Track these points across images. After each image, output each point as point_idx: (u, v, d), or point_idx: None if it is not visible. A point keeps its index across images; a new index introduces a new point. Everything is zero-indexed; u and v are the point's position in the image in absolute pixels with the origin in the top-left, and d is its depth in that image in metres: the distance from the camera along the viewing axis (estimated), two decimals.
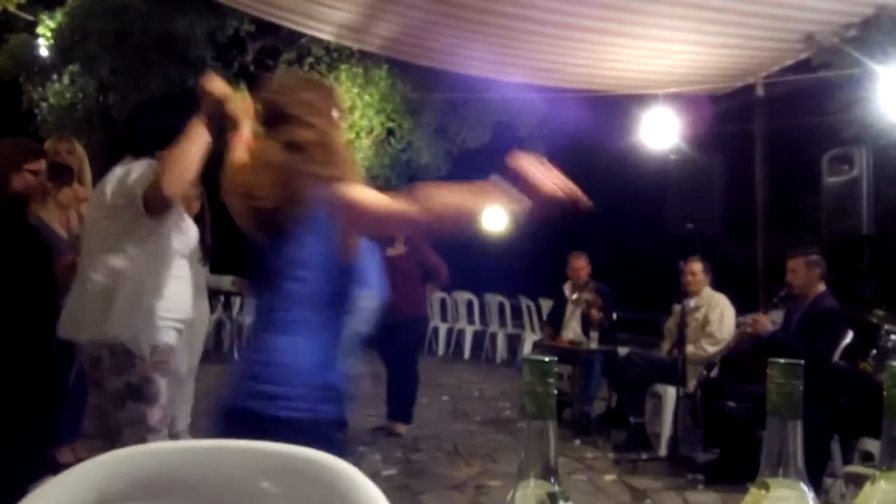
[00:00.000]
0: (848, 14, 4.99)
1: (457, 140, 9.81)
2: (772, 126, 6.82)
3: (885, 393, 0.79)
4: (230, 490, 1.06)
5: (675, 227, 5.59)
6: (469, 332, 10.73)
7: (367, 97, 8.99)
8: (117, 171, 2.81)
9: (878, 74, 4.84)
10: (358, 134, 9.09)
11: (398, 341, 5.71)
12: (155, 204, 2.64)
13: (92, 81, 8.82)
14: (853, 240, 5.80)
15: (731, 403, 4.72)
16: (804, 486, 0.74)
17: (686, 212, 5.52)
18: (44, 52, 8.68)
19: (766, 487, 0.75)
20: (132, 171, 2.75)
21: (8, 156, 3.42)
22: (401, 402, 6.08)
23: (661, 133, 6.90)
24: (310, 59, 9.06)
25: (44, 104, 8.89)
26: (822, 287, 4.79)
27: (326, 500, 1.05)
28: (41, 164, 3.48)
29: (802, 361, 0.75)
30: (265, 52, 9.29)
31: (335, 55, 9.03)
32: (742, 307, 5.67)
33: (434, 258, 6.09)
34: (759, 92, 6.64)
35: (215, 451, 1.11)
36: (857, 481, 0.70)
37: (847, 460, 4.34)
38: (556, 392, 0.75)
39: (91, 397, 2.89)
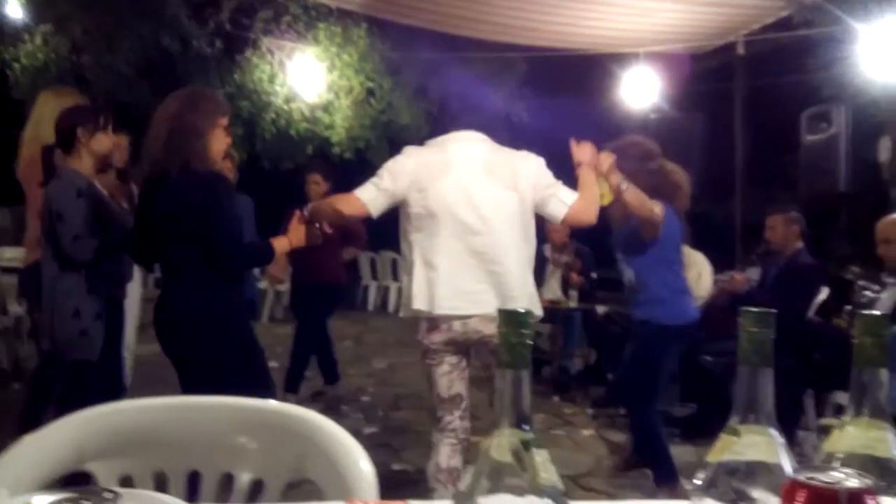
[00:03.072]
0: None
1: (437, 100, 9.72)
2: (752, 84, 6.82)
3: (854, 341, 0.80)
4: (206, 445, 1.06)
5: None
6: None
7: (345, 56, 8.87)
8: None
9: (858, 32, 4.84)
10: (337, 94, 8.98)
11: (310, 305, 5.55)
12: None
13: (65, 41, 8.63)
14: (830, 197, 5.86)
15: (708, 358, 4.81)
16: (774, 432, 0.75)
17: None
18: (15, 12, 8.48)
19: (737, 433, 0.76)
20: None
21: (206, 110, 2.89)
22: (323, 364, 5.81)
23: (641, 92, 6.88)
24: (287, 18, 8.90)
25: (16, 65, 8.68)
26: (799, 244, 4.85)
27: (305, 453, 1.06)
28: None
29: (774, 311, 0.76)
30: (241, 10, 9.11)
31: (313, 14, 8.88)
32: (720, 265, 5.72)
33: (355, 223, 5.87)
34: (740, 50, 6.62)
35: (191, 406, 1.11)
36: (830, 433, 0.72)
37: (820, 414, 4.44)
38: (530, 342, 0.75)
39: None
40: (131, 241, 3.11)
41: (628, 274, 3.84)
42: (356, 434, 1.11)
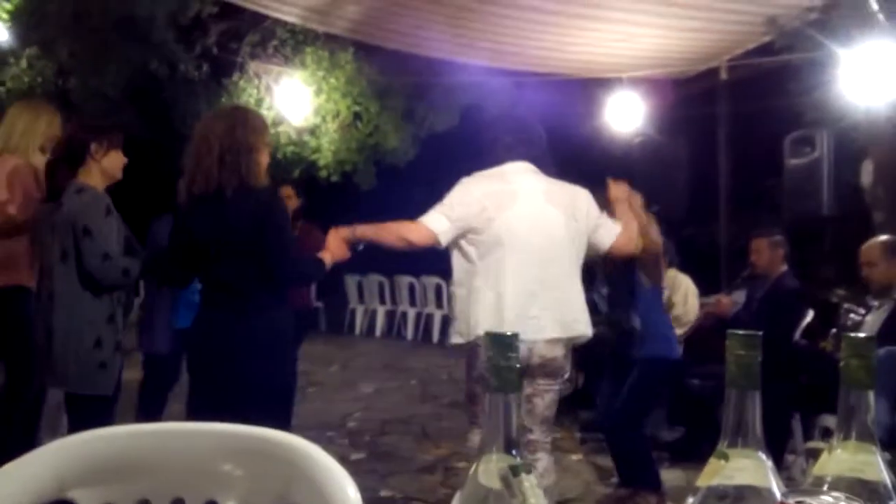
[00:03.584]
0: None
1: (424, 124, 9.76)
2: (735, 109, 6.89)
3: (841, 364, 0.80)
4: (191, 472, 1.04)
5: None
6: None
7: (332, 80, 8.90)
8: None
9: (840, 57, 4.90)
10: (324, 118, 9.01)
11: None
12: None
13: (50, 65, 8.62)
14: (814, 221, 5.90)
15: (695, 382, 4.81)
16: (763, 456, 0.75)
17: (651, 194, 5.56)
18: (0, 34, 8.47)
19: (726, 458, 0.76)
20: None
21: (256, 126, 2.92)
22: None
23: (626, 116, 6.94)
24: (274, 42, 8.94)
25: (1, 88, 8.67)
26: (783, 267, 4.87)
27: (291, 480, 1.05)
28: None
29: (760, 332, 0.76)
30: (228, 34, 9.14)
31: (300, 38, 8.92)
32: (705, 288, 5.74)
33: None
34: (723, 75, 6.70)
35: (175, 433, 1.10)
36: (817, 456, 0.72)
37: (808, 437, 4.44)
38: (518, 366, 0.75)
39: None
40: (167, 261, 3.06)
41: (634, 319, 3.95)
42: (342, 460, 1.10)
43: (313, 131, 9.06)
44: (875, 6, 4.77)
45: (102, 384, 3.11)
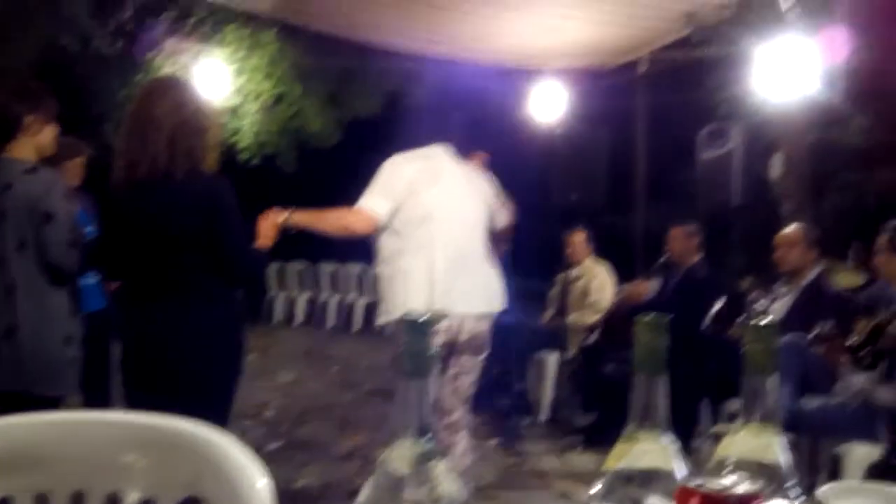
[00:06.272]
0: None
1: (348, 108, 9.67)
2: (653, 101, 7.05)
3: (744, 349, 0.83)
4: (92, 464, 1.00)
5: (560, 198, 5.73)
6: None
7: (254, 60, 8.72)
8: None
9: (753, 53, 5.07)
10: (245, 99, 8.81)
11: None
12: None
13: None
14: (726, 211, 6.11)
15: (609, 367, 4.92)
16: (668, 439, 0.77)
17: (570, 184, 5.67)
18: None
19: (633, 441, 0.77)
20: None
21: (207, 105, 2.79)
22: None
23: (548, 106, 7.01)
24: (193, 19, 8.69)
25: None
26: (697, 256, 5.02)
27: (199, 471, 1.02)
28: None
29: (667, 318, 0.78)
30: (145, 10, 8.83)
31: (220, 16, 8.69)
32: (622, 276, 5.88)
33: None
34: (642, 68, 6.83)
35: (75, 423, 1.05)
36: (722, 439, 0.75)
37: (716, 421, 4.60)
38: (433, 352, 0.74)
39: None
40: (99, 250, 2.78)
41: None
42: (258, 450, 1.08)
43: (233, 112, 8.86)
44: (785, 4, 4.95)
45: (69, 383, 2.89)
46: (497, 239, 3.49)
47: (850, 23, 5.12)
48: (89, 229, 3.08)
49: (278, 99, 9.11)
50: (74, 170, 3.74)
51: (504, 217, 3.47)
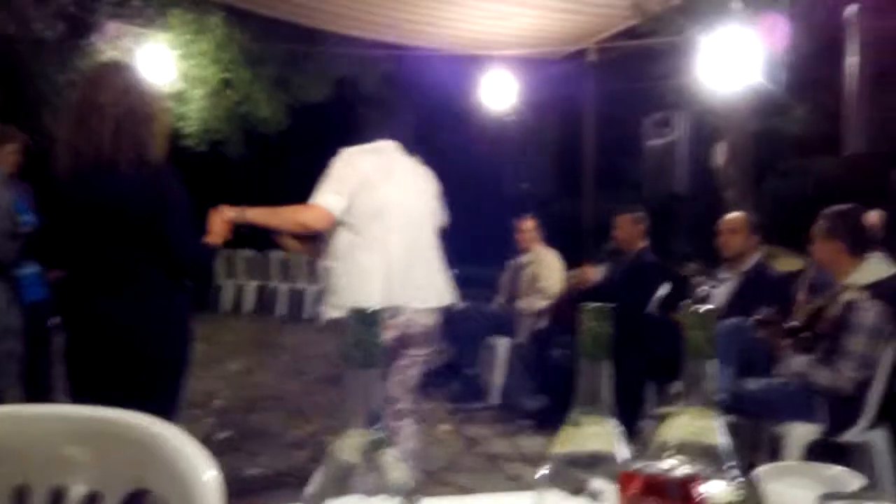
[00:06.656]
0: None
1: (297, 94, 9.55)
2: (602, 90, 7.13)
3: (685, 335, 0.85)
4: (35, 458, 0.97)
5: (510, 185, 5.77)
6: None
7: (201, 45, 8.54)
8: None
9: (699, 43, 5.15)
10: (191, 84, 8.64)
11: None
12: None
13: None
14: (671, 198, 6.22)
15: (557, 352, 4.99)
16: (612, 423, 0.79)
17: (520, 171, 5.71)
18: None
19: (578, 424, 0.79)
20: None
21: (153, 91, 2.66)
22: None
23: (498, 94, 7.04)
24: (136, 2, 8.48)
25: None
26: (643, 243, 5.11)
27: (145, 463, 1.01)
28: None
29: (611, 305, 0.79)
30: None
31: None
32: (570, 262, 5.95)
33: None
34: (591, 57, 6.90)
35: (17, 417, 1.03)
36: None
37: (661, 403, 4.70)
38: (381, 341, 0.75)
39: None
40: (41, 239, 2.71)
41: None
42: (208, 440, 1.07)
43: (179, 97, 8.68)
44: None
45: (8, 376, 2.83)
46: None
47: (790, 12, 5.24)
48: (26, 218, 3.00)
49: (225, 84, 8.95)
50: (9, 157, 3.64)
51: (442, 215, 3.47)
